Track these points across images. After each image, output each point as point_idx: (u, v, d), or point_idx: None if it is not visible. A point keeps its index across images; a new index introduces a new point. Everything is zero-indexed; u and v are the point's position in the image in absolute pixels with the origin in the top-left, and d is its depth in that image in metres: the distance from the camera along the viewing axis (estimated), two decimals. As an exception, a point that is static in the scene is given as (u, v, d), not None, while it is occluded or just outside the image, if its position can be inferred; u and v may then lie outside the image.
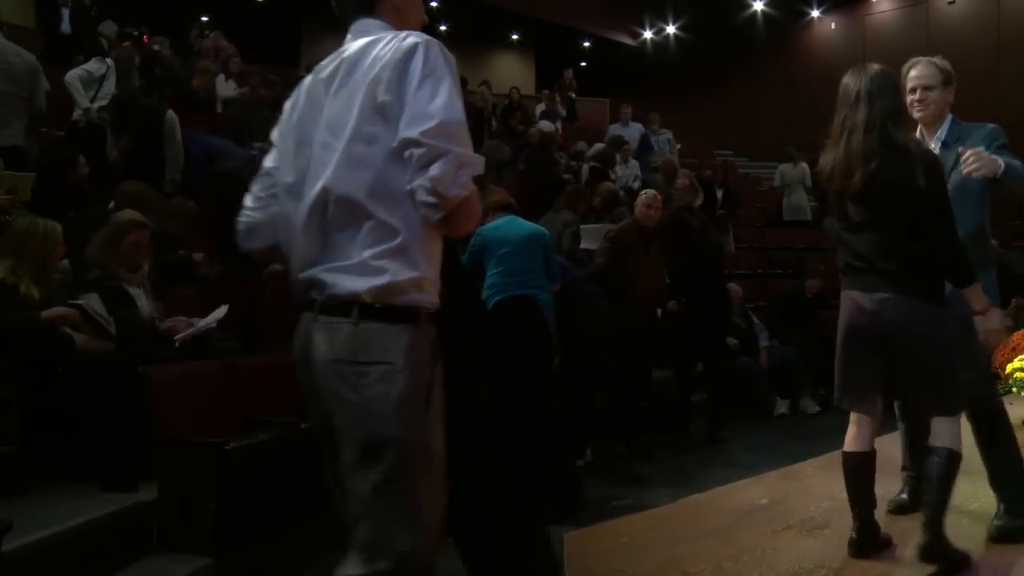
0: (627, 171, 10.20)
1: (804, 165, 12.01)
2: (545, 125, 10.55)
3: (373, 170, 1.68)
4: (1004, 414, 3.20)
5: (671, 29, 17.78)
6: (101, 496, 3.47)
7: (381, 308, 1.68)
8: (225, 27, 14.33)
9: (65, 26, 9.84)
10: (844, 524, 3.30)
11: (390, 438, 1.66)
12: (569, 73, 14.46)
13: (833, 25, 16.59)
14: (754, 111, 16.07)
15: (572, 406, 5.34)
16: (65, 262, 4.26)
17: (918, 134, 3.33)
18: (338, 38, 1.91)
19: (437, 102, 1.64)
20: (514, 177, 9.26)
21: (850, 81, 2.95)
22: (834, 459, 4.46)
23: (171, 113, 5.98)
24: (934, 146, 3.25)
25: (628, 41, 18.04)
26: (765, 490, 3.81)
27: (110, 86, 6.86)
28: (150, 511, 3.42)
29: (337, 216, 1.70)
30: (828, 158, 2.95)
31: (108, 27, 8.89)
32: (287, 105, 1.92)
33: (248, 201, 1.95)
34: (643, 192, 6.07)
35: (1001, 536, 3.13)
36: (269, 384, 4.14)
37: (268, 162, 1.94)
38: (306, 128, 1.82)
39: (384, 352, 1.67)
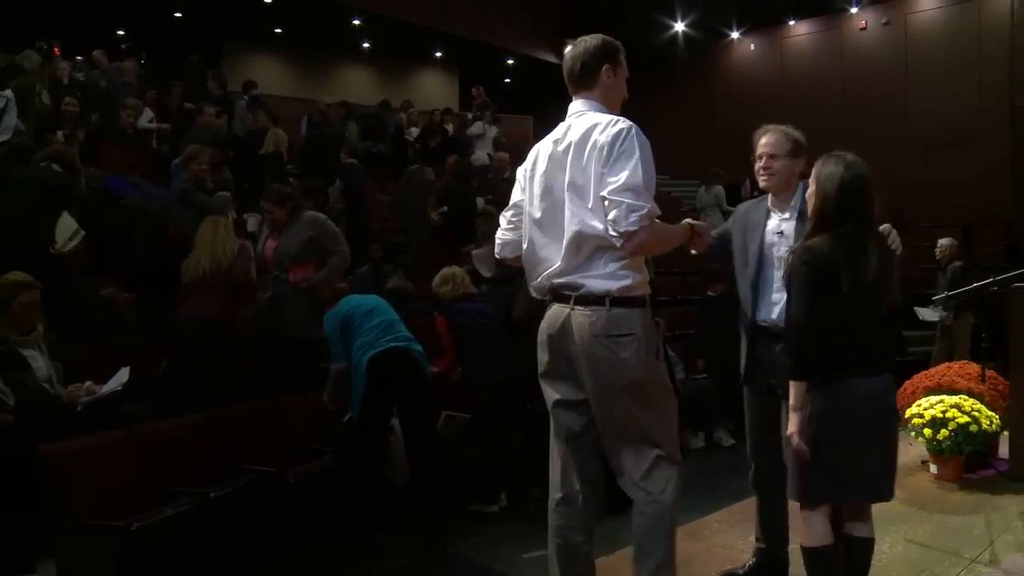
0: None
1: (719, 188, 12.14)
2: (479, 158, 10.62)
3: (604, 216, 2.53)
4: None
5: (594, 47, 17.90)
6: (-5, 581, 3.39)
7: (625, 299, 2.58)
8: (142, 42, 14.05)
9: (-36, 43, 9.33)
10: (742, 592, 3.42)
11: (642, 380, 2.59)
12: (479, 91, 13.35)
13: (752, 47, 16.97)
14: (675, 130, 16.25)
15: (486, 451, 5.38)
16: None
17: (768, 203, 3.35)
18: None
19: (625, 171, 2.49)
20: (439, 200, 9.27)
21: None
22: (737, 512, 4.56)
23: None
24: (788, 216, 3.25)
25: (552, 59, 18.11)
26: (670, 550, 3.88)
27: (11, 120, 6.42)
28: (48, 596, 3.35)
29: (588, 246, 2.58)
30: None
31: (29, 59, 8.21)
32: (530, 156, 2.79)
33: (503, 223, 2.88)
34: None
35: None
36: (178, 450, 4.08)
37: (515, 196, 2.84)
38: (549, 181, 2.68)
39: (630, 327, 2.57)
